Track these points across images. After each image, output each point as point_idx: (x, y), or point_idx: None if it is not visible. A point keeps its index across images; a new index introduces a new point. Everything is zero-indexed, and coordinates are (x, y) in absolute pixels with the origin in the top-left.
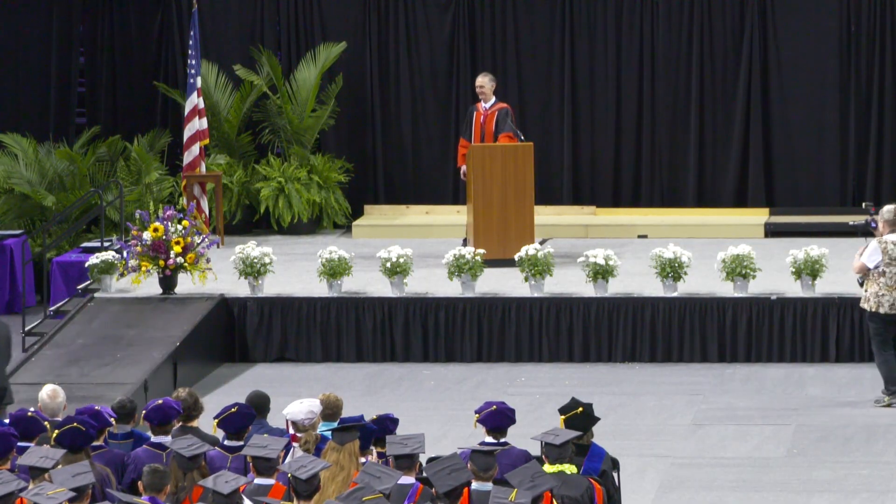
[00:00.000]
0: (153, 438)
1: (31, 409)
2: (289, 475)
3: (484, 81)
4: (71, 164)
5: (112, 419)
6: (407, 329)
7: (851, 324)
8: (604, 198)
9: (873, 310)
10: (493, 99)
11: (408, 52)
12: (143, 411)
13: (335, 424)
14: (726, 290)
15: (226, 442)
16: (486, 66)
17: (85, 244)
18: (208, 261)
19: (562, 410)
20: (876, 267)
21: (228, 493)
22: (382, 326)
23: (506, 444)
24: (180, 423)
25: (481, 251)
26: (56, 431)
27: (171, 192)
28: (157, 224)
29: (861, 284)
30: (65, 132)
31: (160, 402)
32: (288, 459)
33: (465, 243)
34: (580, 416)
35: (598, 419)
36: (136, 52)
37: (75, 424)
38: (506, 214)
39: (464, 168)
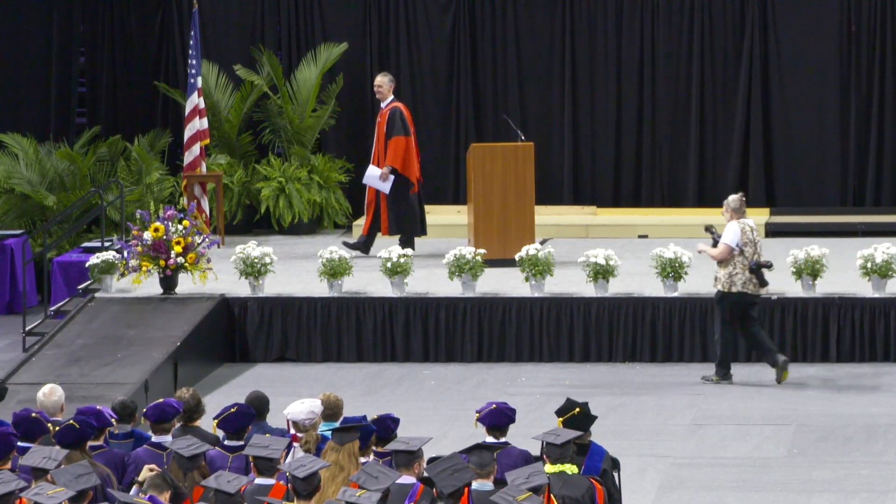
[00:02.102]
0: (153, 438)
1: (37, 410)
2: (287, 474)
3: (382, 81)
4: (71, 163)
5: (113, 419)
6: (407, 329)
7: (852, 324)
8: (604, 198)
9: (725, 290)
10: (391, 98)
11: (408, 52)
12: (144, 410)
13: (336, 424)
14: None
15: (226, 442)
16: (486, 66)
17: (85, 244)
18: (209, 261)
19: (559, 412)
20: (737, 246)
21: (234, 492)
22: (383, 326)
23: (506, 443)
24: (181, 424)
25: (482, 251)
26: (55, 429)
27: (171, 192)
28: (157, 224)
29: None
30: (65, 132)
31: (161, 400)
32: (288, 459)
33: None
34: (578, 417)
35: (595, 417)
36: (137, 52)
37: (70, 422)
38: (506, 214)
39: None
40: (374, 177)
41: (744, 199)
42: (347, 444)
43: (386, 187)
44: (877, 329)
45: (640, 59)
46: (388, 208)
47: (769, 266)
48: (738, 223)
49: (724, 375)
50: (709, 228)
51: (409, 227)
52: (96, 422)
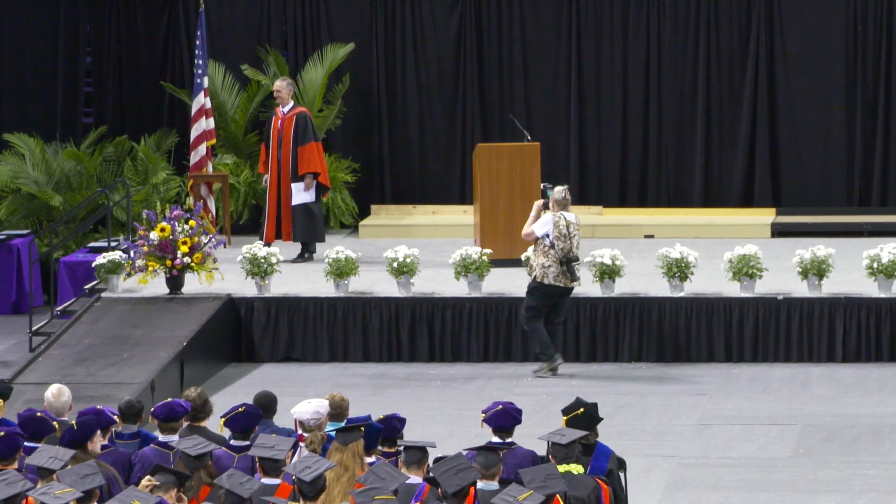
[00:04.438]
0: (160, 438)
1: (41, 410)
2: (293, 477)
3: (281, 86)
4: (78, 164)
5: (115, 417)
6: (413, 329)
7: (858, 324)
8: (610, 198)
9: (539, 280)
10: (291, 103)
11: (414, 52)
12: (152, 409)
13: (341, 425)
14: (733, 290)
15: (232, 441)
16: (492, 67)
17: (92, 244)
18: (215, 261)
19: (564, 411)
20: (545, 237)
21: (246, 498)
22: (389, 326)
23: (512, 444)
24: (188, 423)
25: (488, 251)
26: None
27: (177, 192)
28: (163, 224)
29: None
30: (72, 132)
31: (169, 400)
32: (294, 459)
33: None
34: (582, 417)
35: (600, 419)
36: (143, 52)
37: (72, 423)
38: (512, 214)
39: (266, 176)
40: (300, 191)
41: (568, 192)
42: (351, 444)
43: (311, 195)
44: (883, 329)
45: (646, 58)
46: (293, 214)
47: (576, 260)
48: (555, 216)
49: (550, 357)
50: (544, 187)
51: (320, 234)
52: (97, 422)
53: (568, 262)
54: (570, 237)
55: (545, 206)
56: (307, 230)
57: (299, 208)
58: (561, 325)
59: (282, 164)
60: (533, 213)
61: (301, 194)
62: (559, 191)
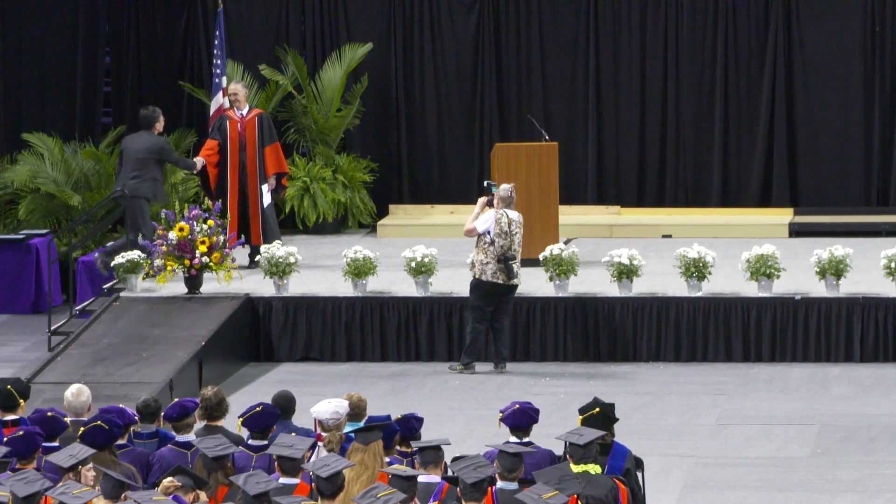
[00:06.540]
0: (178, 437)
1: (49, 408)
2: (311, 474)
3: (237, 89)
4: (97, 163)
5: (136, 417)
6: (431, 328)
7: (876, 324)
8: (628, 197)
9: (477, 276)
10: (248, 106)
11: (433, 52)
12: (162, 413)
13: (359, 424)
14: (751, 289)
15: (250, 441)
16: (510, 66)
17: (110, 243)
18: (234, 260)
19: (581, 410)
20: (486, 233)
21: (256, 494)
22: (407, 326)
23: (530, 443)
24: (204, 423)
25: None
26: (81, 429)
27: (196, 192)
28: (182, 223)
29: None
30: (90, 132)
31: (175, 400)
32: (312, 458)
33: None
34: (597, 417)
35: (616, 419)
36: (162, 52)
37: (99, 423)
38: (530, 214)
39: (201, 161)
40: (266, 192)
41: (514, 191)
42: (372, 444)
43: (269, 196)
44: None
45: (664, 58)
46: (261, 217)
47: (512, 259)
48: (497, 213)
49: (467, 364)
50: (488, 184)
51: (279, 234)
52: (121, 421)
53: (505, 260)
54: (510, 235)
55: (489, 203)
56: (275, 232)
57: (268, 210)
58: (505, 327)
59: (248, 167)
60: (476, 210)
61: (267, 195)
62: (504, 188)
